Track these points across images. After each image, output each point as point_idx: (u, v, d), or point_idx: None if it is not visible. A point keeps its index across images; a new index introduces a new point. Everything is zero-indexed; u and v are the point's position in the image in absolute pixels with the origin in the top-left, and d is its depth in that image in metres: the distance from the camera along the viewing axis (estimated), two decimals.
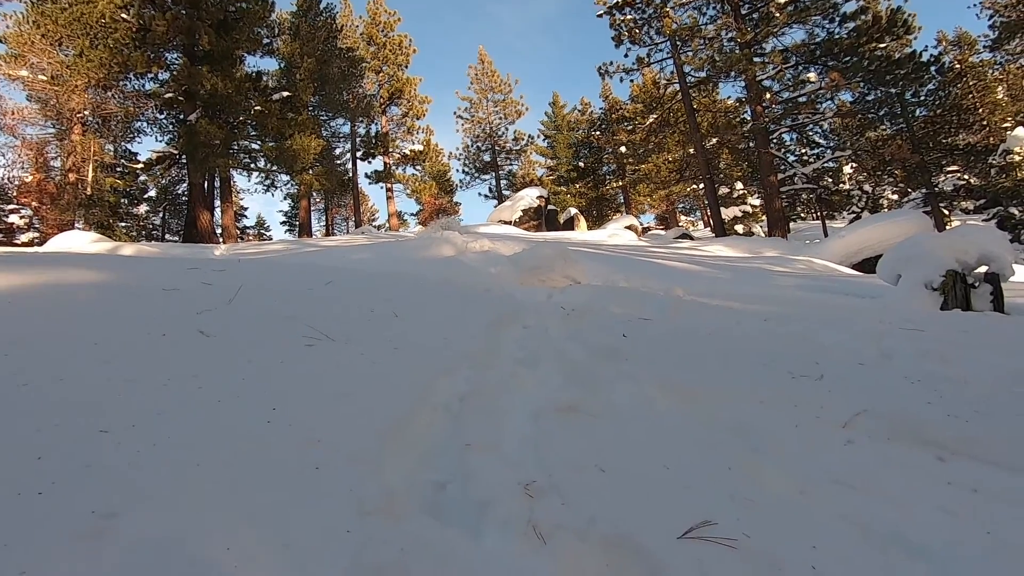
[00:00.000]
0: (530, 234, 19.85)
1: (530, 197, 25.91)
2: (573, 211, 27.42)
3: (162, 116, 19.40)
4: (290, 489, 1.04)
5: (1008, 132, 16.84)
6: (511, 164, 36.41)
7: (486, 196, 36.66)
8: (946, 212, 21.33)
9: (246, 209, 35.56)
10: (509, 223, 23.91)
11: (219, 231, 20.41)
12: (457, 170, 38.11)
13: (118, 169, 21.40)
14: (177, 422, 1.28)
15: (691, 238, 22.23)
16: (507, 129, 35.40)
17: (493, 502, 1.11)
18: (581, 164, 33.85)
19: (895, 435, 1.58)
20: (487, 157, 35.32)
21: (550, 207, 27.60)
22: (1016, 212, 16.05)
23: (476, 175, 35.66)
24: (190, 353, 1.97)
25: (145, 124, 19.78)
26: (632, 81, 25.92)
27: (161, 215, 29.18)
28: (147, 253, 11.61)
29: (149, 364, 1.75)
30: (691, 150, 23.24)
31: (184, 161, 18.77)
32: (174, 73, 16.50)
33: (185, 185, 21.85)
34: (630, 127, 24.83)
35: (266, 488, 1.04)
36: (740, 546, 0.99)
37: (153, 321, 2.45)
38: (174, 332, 2.25)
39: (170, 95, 17.04)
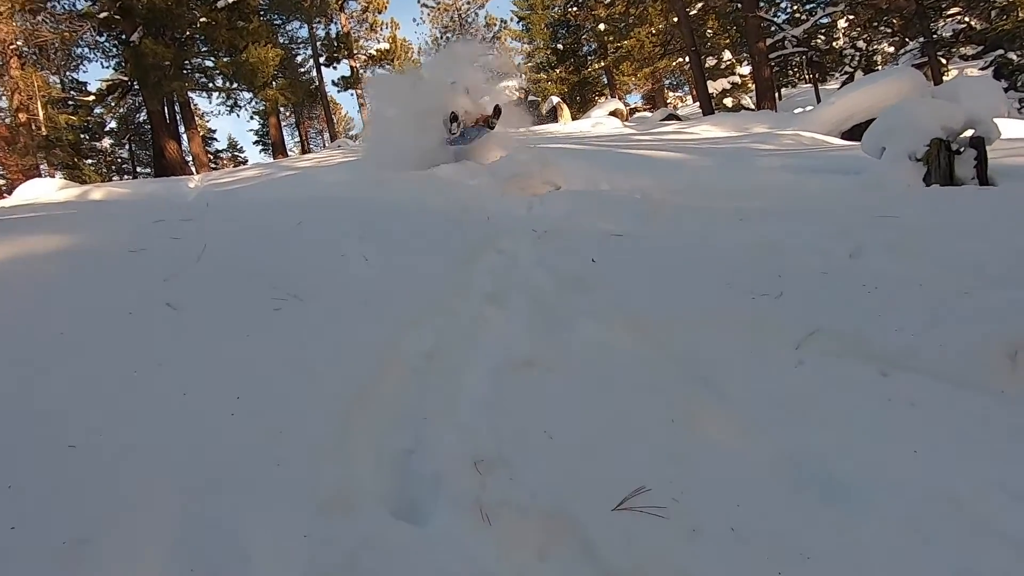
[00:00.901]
0: (511, 130, 19.08)
1: (509, 89, 24.59)
2: (555, 100, 26.13)
3: (102, 39, 17.91)
4: (251, 492, 1.11)
5: None
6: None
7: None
8: (943, 61, 20.33)
9: (214, 131, 33.93)
10: None
11: (190, 159, 19.65)
12: None
13: (70, 103, 20.11)
14: (143, 425, 1.32)
15: (678, 118, 21.41)
16: (477, 14, 32.79)
17: (445, 481, 1.18)
18: (560, 46, 31.72)
19: (844, 352, 1.65)
20: None
21: (531, 98, 26.32)
22: (1015, 57, 15.31)
23: None
24: (157, 334, 1.98)
25: (87, 50, 18.30)
26: None
27: (128, 147, 27.91)
28: (117, 195, 11.24)
29: (115, 354, 1.77)
30: (675, 19, 21.64)
31: (138, 88, 17.62)
32: None
33: (145, 114, 20.68)
34: (607, 0, 22.98)
35: (229, 491, 1.11)
36: (668, 512, 1.07)
37: (119, 296, 2.43)
38: (141, 308, 2.25)
39: (105, 14, 15.61)
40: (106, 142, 26.62)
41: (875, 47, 22.42)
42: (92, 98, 18.17)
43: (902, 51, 23.69)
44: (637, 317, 1.93)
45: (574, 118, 23.96)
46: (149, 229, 4.14)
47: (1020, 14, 14.19)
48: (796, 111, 18.15)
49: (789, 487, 1.16)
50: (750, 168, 7.08)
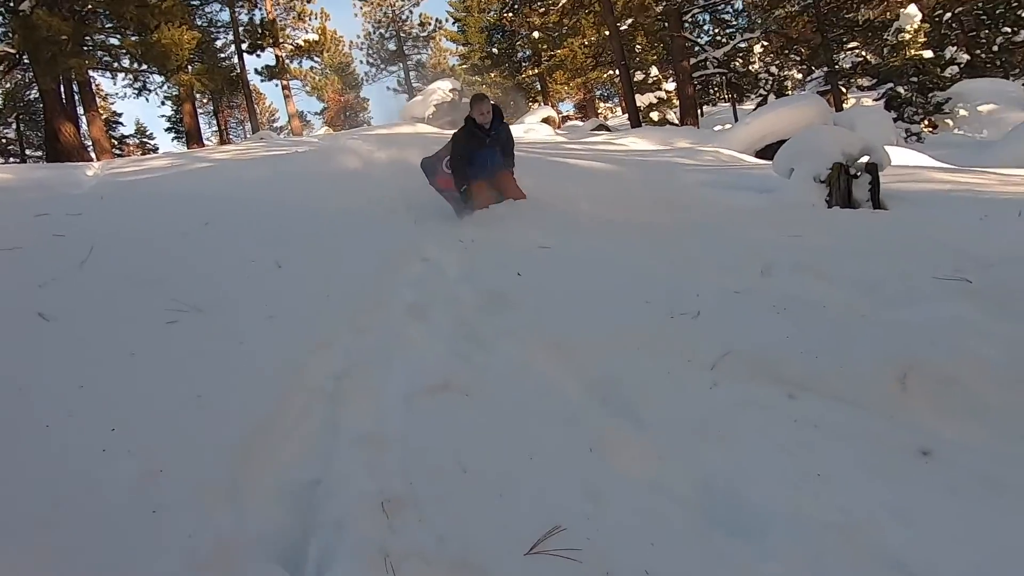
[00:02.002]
0: (443, 132, 18.90)
1: (443, 90, 24.37)
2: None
3: None
4: (115, 548, 0.96)
5: (901, 9, 17.28)
6: (420, 53, 33.67)
7: (396, 90, 34.04)
8: (844, 90, 22.21)
9: (120, 115, 31.10)
10: (422, 119, 22.56)
11: (89, 144, 17.94)
12: (361, 62, 34.67)
13: None
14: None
15: (607, 129, 22.04)
16: (411, 12, 32.25)
17: (348, 526, 1.08)
18: (495, 50, 31.80)
19: (755, 374, 1.69)
20: (392, 46, 32.37)
21: (464, 100, 26.15)
22: (902, 91, 16.97)
23: (382, 67, 32.81)
24: (23, 350, 1.73)
25: None
26: None
27: (15, 127, 25.12)
28: None
29: None
30: (606, 32, 22.28)
31: (28, 63, 15.84)
32: None
33: (36, 92, 18.65)
34: (542, 8, 23.30)
35: (90, 551, 0.96)
36: (582, 555, 1.04)
37: None
38: (7, 317, 1.97)
39: None
40: None
41: (786, 73, 24.14)
42: None
43: (808, 78, 25.72)
44: (557, 338, 1.90)
45: (508, 123, 24.05)
46: (29, 224, 3.70)
47: (908, 53, 15.74)
48: (716, 128, 19.19)
49: (701, 521, 1.16)
50: (674, 183, 7.36)
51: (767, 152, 13.67)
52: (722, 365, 1.74)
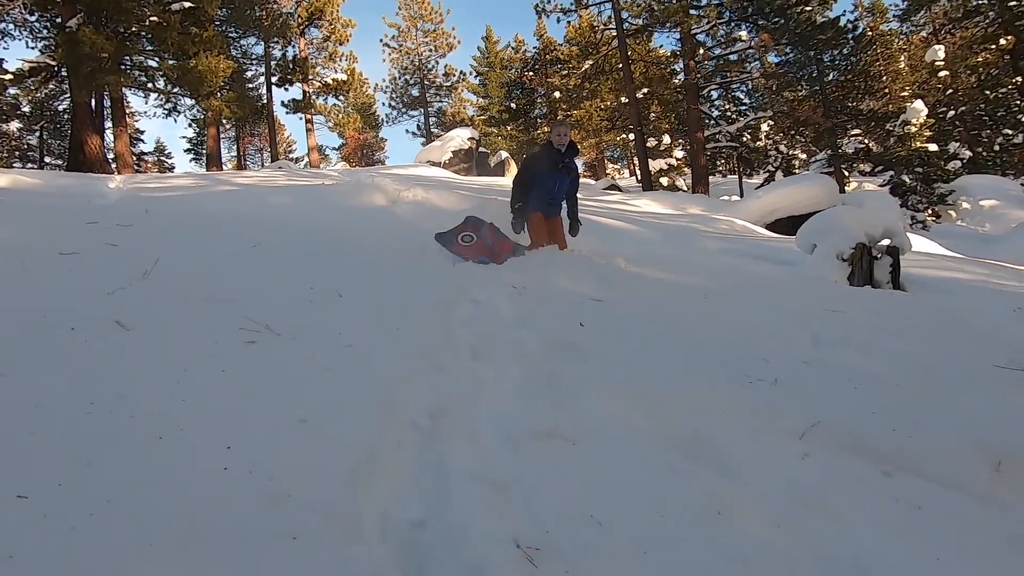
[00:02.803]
0: (461, 178, 19.34)
1: (461, 138, 25.10)
2: (504, 155, 26.95)
3: (33, 18, 16.61)
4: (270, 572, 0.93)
5: (908, 104, 18.17)
6: (441, 101, 34.87)
7: (414, 134, 35.04)
8: (846, 174, 23.00)
9: (143, 133, 31.81)
10: (438, 164, 23.12)
11: (112, 158, 18.23)
12: (383, 104, 35.95)
13: None
14: (113, 475, 1.09)
15: (619, 189, 22.61)
16: (437, 63, 33.63)
17: (490, 571, 1.05)
18: (513, 105, 32.93)
19: (845, 448, 1.69)
20: (415, 92, 33.54)
21: (481, 150, 26.93)
22: (907, 179, 17.60)
23: (404, 110, 33.90)
24: (110, 357, 1.71)
25: (12, 27, 16.86)
26: (569, 23, 25.10)
27: (38, 135, 25.58)
28: (26, 185, 10.11)
29: (60, 377, 1.50)
30: (624, 99, 23.21)
31: (65, 75, 16.31)
32: None
33: (68, 102, 19.11)
34: (564, 71, 24.34)
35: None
36: None
37: (56, 305, 2.12)
38: (85, 323, 1.96)
39: None
40: (14, 126, 24.33)
41: (793, 152, 25.04)
42: (10, 77, 16.57)
43: (812, 160, 26.67)
44: (642, 392, 1.90)
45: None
46: (81, 231, 3.73)
47: (914, 144, 16.40)
48: (723, 198, 19.75)
49: None
50: (695, 247, 7.51)
51: (777, 226, 14.03)
52: (811, 435, 1.73)
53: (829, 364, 2.34)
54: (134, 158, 25.59)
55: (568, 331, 2.50)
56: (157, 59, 16.87)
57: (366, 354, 1.99)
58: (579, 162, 5.08)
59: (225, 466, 1.17)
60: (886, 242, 6.39)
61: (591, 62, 21.61)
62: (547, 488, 1.34)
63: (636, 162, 28.15)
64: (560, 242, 4.70)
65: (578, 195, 4.95)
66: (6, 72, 17.49)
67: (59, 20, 15.61)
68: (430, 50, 33.02)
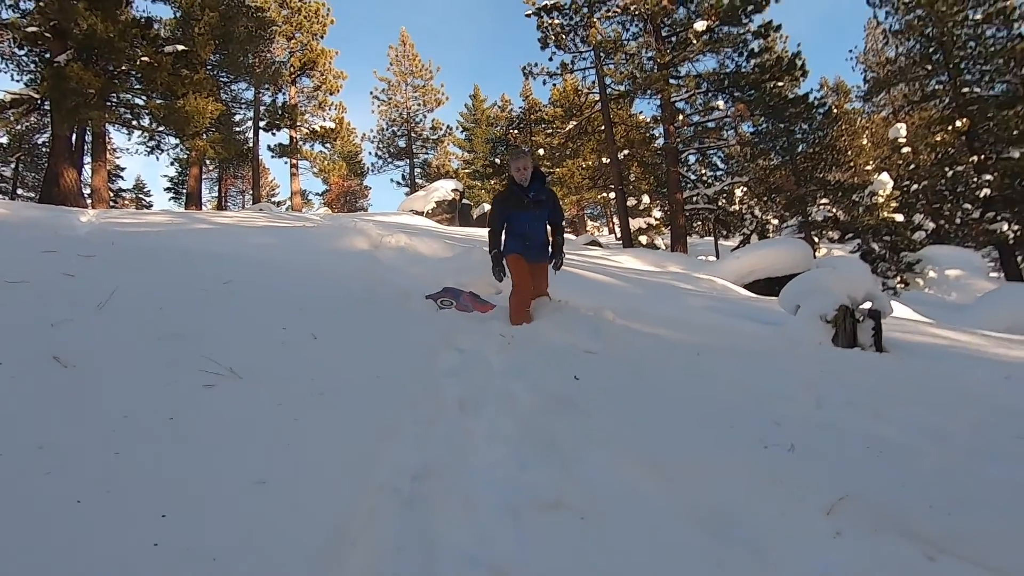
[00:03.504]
0: (444, 228, 19.39)
1: (445, 189, 25.38)
2: (487, 207, 27.20)
3: (21, 52, 16.57)
4: None
5: (874, 176, 19.07)
6: (427, 153, 35.51)
7: (398, 183, 35.43)
8: (816, 240, 23.77)
9: (123, 169, 31.39)
10: (421, 213, 23.23)
11: (88, 192, 17.86)
12: (369, 153, 36.34)
13: None
14: (11, 549, 0.85)
15: (599, 245, 22.92)
16: (425, 116, 34.47)
17: None
18: (497, 160, 33.72)
19: (880, 526, 1.50)
20: (402, 143, 34.16)
21: (464, 201, 27.23)
22: (876, 247, 18.21)
23: (389, 160, 34.38)
24: (38, 400, 1.46)
25: None
26: (554, 85, 26.16)
27: (13, 166, 25.09)
28: None
29: None
30: (605, 160, 23.93)
31: (48, 108, 16.13)
32: (41, 4, 14.07)
33: (47, 135, 18.84)
34: (549, 130, 25.11)
35: None
36: None
37: None
38: (16, 358, 1.70)
39: (34, 29, 14.56)
40: None
41: (767, 217, 25.89)
42: None
43: (784, 225, 27.61)
44: (653, 456, 1.70)
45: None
46: (35, 259, 3.45)
47: (882, 214, 17.07)
48: (700, 258, 20.13)
49: None
50: (679, 304, 7.45)
51: (755, 287, 14.23)
52: (839, 510, 1.54)
53: (842, 429, 2.18)
54: (111, 194, 25.19)
55: (562, 385, 2.31)
56: (144, 97, 16.86)
57: (341, 404, 1.76)
58: (553, 191, 4.38)
59: (155, 541, 0.93)
60: (867, 305, 6.42)
61: (574, 123, 22.36)
62: (557, 572, 1.12)
63: (616, 220, 28.75)
64: (541, 290, 4.27)
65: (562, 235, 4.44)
66: None
67: (47, 55, 15.59)
68: (419, 104, 33.91)
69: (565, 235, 4.53)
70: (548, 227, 4.27)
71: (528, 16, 20.47)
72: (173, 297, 2.81)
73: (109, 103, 16.37)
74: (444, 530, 1.22)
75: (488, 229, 4.23)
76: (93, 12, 14.18)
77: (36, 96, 16.08)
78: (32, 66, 17.18)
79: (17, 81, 20.62)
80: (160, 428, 1.37)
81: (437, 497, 1.34)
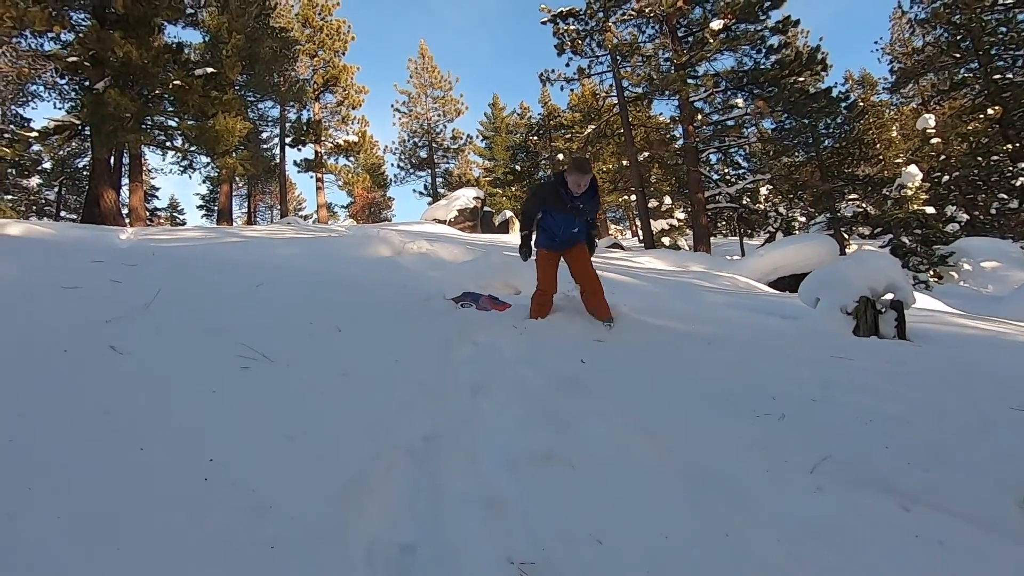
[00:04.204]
0: (466, 235, 19.67)
1: (466, 197, 25.71)
2: (508, 214, 27.50)
3: (63, 81, 17.50)
4: None
5: (903, 168, 18.62)
6: (448, 162, 36.02)
7: (421, 193, 36.01)
8: (846, 236, 23.30)
9: (158, 189, 32.76)
10: (444, 222, 23.58)
11: (126, 212, 18.72)
12: (392, 164, 37.11)
13: (6, 136, 19.06)
14: (88, 487, 1.04)
15: (622, 247, 22.90)
16: (445, 127, 34.99)
17: None
18: (518, 167, 33.98)
19: (860, 482, 1.60)
20: (424, 153, 34.72)
21: (486, 208, 27.52)
22: (907, 241, 17.78)
23: (411, 171, 34.97)
24: (99, 378, 1.68)
25: (42, 88, 17.75)
26: (572, 90, 26.34)
27: (57, 190, 26.39)
28: (39, 234, 10.33)
29: (47, 396, 1.46)
30: (625, 162, 23.94)
31: (88, 133, 17.01)
32: (80, 36, 14.88)
33: (88, 159, 19.82)
34: (568, 135, 25.25)
35: None
36: None
37: (50, 330, 2.10)
38: (78, 347, 1.93)
39: (75, 59, 15.37)
40: (34, 181, 25.13)
41: (792, 214, 25.49)
42: (35, 135, 17.30)
43: (812, 222, 27.11)
44: (648, 426, 1.83)
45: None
46: (85, 269, 3.75)
47: (911, 207, 16.69)
48: (724, 257, 19.93)
49: None
50: (699, 300, 7.48)
51: (779, 284, 14.06)
52: (822, 469, 1.65)
53: (838, 403, 2.27)
54: (147, 213, 26.26)
55: (570, 368, 2.45)
56: (177, 119, 17.61)
57: (362, 381, 1.95)
58: (598, 199, 4.05)
59: (206, 477, 1.12)
60: (889, 296, 6.37)
61: (593, 127, 22.45)
62: (546, 508, 1.27)
63: (638, 223, 28.68)
64: (589, 288, 4.12)
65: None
66: (32, 130, 18.27)
67: (87, 83, 16.43)
68: (439, 115, 34.46)
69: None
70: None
71: (544, 23, 20.71)
72: (210, 298, 3.05)
73: (144, 126, 17.16)
74: (450, 478, 1.38)
75: (523, 208, 4.20)
76: (128, 40, 14.95)
77: (77, 122, 16.97)
78: (72, 94, 18.12)
79: (59, 109, 21.74)
80: (205, 398, 1.57)
81: (444, 454, 1.51)
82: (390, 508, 1.25)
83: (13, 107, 19.66)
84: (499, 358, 2.72)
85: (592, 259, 4.32)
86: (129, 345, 1.99)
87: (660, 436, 1.75)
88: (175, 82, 16.60)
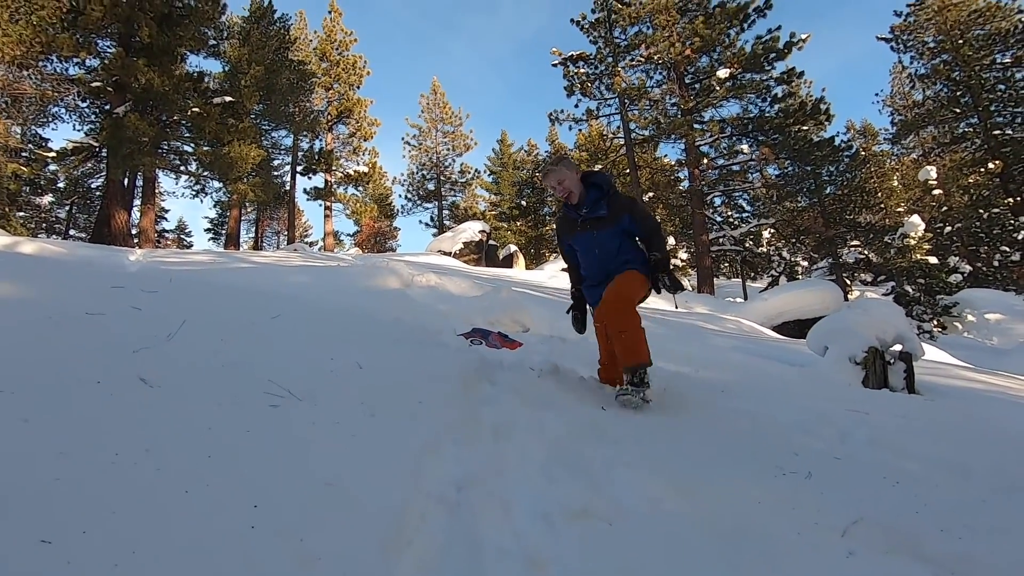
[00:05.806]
0: (471, 268, 19.78)
1: (472, 230, 25.96)
2: (513, 248, 27.71)
3: (84, 104, 17.96)
4: None
5: (905, 217, 18.88)
6: (455, 195, 36.54)
7: (427, 224, 36.47)
8: (848, 282, 23.40)
9: (167, 211, 33.18)
10: (449, 254, 23.75)
11: (135, 233, 18.93)
12: (400, 195, 37.70)
13: (24, 154, 19.44)
14: (142, 531, 1.04)
15: None
16: (454, 161, 35.67)
17: None
18: (523, 203, 34.47)
19: (894, 548, 1.59)
20: (431, 186, 35.27)
21: (491, 242, 27.76)
22: (910, 290, 17.86)
23: (419, 202, 35.46)
24: (135, 412, 1.68)
25: (63, 111, 18.20)
26: (580, 131, 26.97)
27: (68, 209, 26.72)
28: (51, 253, 10.44)
29: (86, 428, 1.47)
30: None
31: (104, 155, 17.36)
32: (105, 62, 15.34)
33: (101, 179, 20.15)
34: None
35: None
36: None
37: (81, 360, 2.11)
38: (110, 378, 1.94)
39: (98, 84, 15.82)
40: (46, 199, 25.47)
41: (795, 259, 25.68)
42: (52, 155, 17.64)
43: (814, 267, 27.30)
44: (675, 477, 1.82)
45: (527, 268, 25.29)
46: (106, 295, 3.79)
47: (915, 256, 16.82)
48: (727, 300, 20.00)
49: None
50: (705, 343, 7.49)
51: (783, 329, 14.06)
52: (853, 532, 1.63)
53: (862, 461, 2.26)
54: (156, 234, 26.49)
55: (589, 413, 2.45)
56: (193, 144, 17.98)
57: (389, 423, 1.95)
58: (625, 196, 2.99)
59: (253, 524, 1.12)
60: (898, 347, 6.36)
61: (600, 167, 22.87)
62: (586, 566, 1.26)
63: None
64: (615, 320, 2.97)
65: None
66: (50, 150, 18.63)
67: (108, 107, 16.86)
68: (448, 149, 35.16)
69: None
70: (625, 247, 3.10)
71: (555, 66, 21.35)
72: (230, 329, 3.07)
73: (161, 150, 17.52)
74: (485, 530, 1.37)
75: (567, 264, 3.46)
76: (151, 68, 15.42)
77: (95, 144, 17.34)
78: (93, 117, 18.56)
79: (78, 131, 22.19)
80: (240, 437, 1.58)
81: (477, 503, 1.50)
82: (429, 560, 1.24)
83: (33, 127, 20.11)
84: (517, 400, 2.72)
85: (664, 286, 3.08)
86: (157, 377, 2.01)
87: (691, 491, 1.74)
88: (194, 109, 17.04)
